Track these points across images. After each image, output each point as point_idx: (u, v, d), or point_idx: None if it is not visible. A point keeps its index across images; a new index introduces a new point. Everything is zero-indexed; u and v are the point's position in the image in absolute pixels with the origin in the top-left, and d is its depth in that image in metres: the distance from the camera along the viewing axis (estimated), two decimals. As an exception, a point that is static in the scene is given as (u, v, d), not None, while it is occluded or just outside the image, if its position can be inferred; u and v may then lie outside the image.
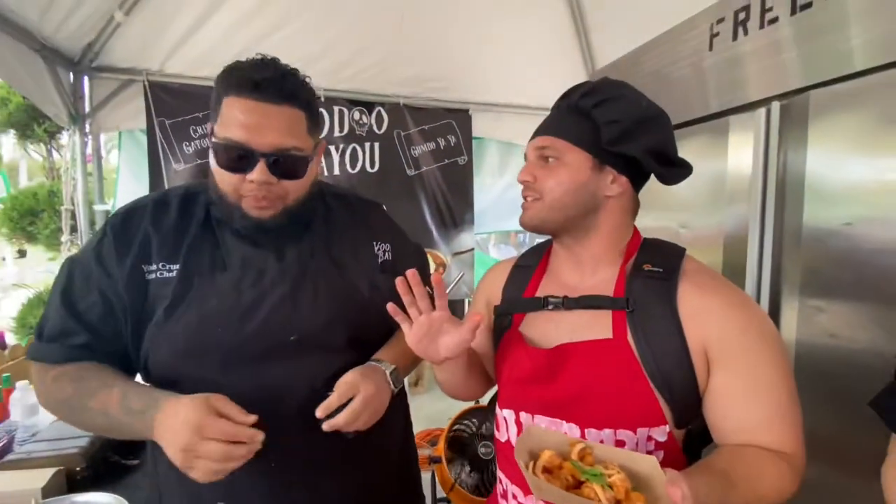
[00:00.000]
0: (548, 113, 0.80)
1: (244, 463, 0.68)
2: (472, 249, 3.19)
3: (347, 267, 0.89)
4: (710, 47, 1.28)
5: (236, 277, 0.81)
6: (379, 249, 0.94)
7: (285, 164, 0.77)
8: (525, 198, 0.77)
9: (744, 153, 1.17)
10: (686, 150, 1.33)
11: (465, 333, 0.71)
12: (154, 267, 0.79)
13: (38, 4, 1.85)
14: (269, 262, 0.83)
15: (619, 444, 0.67)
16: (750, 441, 0.64)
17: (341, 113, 2.80)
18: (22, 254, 10.17)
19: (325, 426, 0.76)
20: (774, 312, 1.11)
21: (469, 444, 2.01)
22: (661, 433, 0.67)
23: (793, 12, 1.10)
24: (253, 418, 0.69)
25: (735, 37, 1.21)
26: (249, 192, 0.77)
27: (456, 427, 2.06)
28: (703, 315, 0.66)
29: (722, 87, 1.26)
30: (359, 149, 2.87)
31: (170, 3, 2.17)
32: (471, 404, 1.99)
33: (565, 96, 0.78)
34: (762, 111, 1.13)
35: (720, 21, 1.26)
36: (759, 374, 0.65)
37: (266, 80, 0.75)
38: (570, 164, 0.72)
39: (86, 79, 2.38)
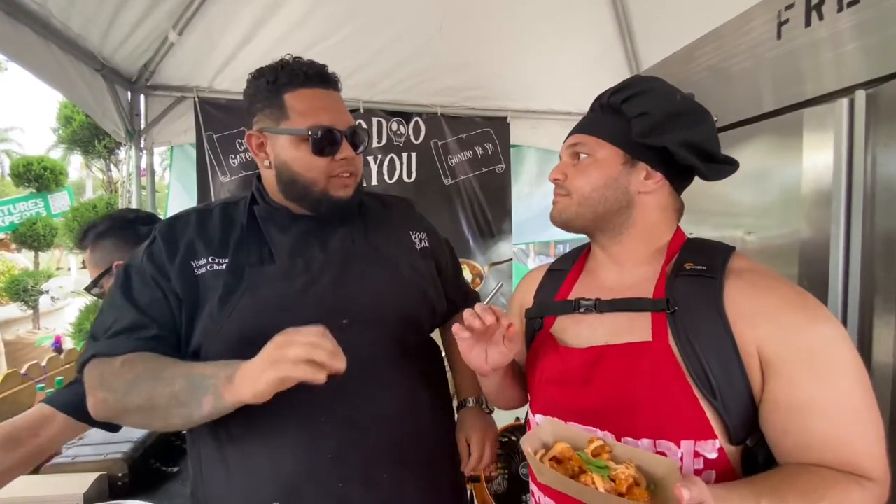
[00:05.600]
0: (589, 118, 0.81)
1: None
2: (510, 259, 3.10)
3: (389, 252, 0.93)
4: (779, 36, 1.17)
5: (285, 267, 0.84)
6: (415, 237, 0.99)
7: (359, 138, 0.87)
8: (555, 195, 0.78)
9: (822, 150, 1.05)
10: (753, 149, 1.23)
11: (506, 345, 0.70)
12: (203, 262, 0.82)
13: (100, 27, 1.97)
14: (314, 251, 0.86)
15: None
16: (816, 460, 0.57)
17: (379, 124, 2.82)
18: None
19: (468, 472, 0.93)
20: (866, 332, 0.97)
21: (509, 463, 1.92)
22: (709, 448, 0.60)
23: (877, -8, 0.98)
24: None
25: (808, 22, 1.10)
26: (339, 170, 0.85)
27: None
28: (754, 315, 0.60)
29: (794, 78, 1.15)
30: (396, 159, 2.88)
31: (218, 24, 2.26)
32: (511, 421, 1.90)
33: (598, 98, 0.78)
34: (843, 102, 1.01)
35: (789, 7, 1.15)
36: (826, 383, 0.57)
37: (324, 70, 0.87)
38: (600, 159, 0.72)
39: (142, 97, 2.52)
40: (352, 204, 0.89)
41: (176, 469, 1.26)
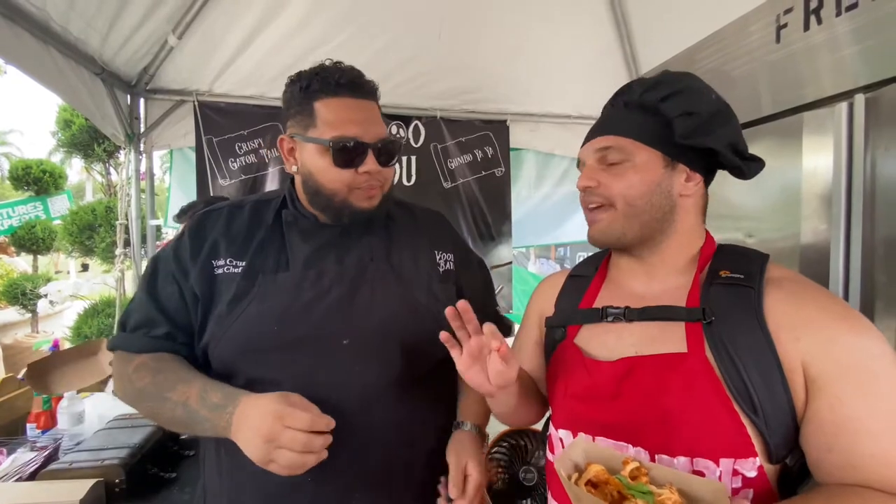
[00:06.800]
0: (589, 121, 0.76)
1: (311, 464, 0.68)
2: (510, 263, 3.10)
3: (406, 274, 0.89)
4: (778, 40, 1.17)
5: (298, 277, 0.82)
6: (440, 258, 0.94)
7: (388, 152, 0.83)
8: (588, 207, 0.70)
9: (822, 153, 1.05)
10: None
11: (504, 365, 0.64)
12: (222, 262, 0.82)
13: (99, 31, 1.97)
14: (329, 264, 0.84)
15: (698, 475, 0.58)
16: (861, 481, 0.54)
17: (379, 127, 2.82)
18: (85, 268, 10.95)
19: (453, 496, 0.79)
20: (867, 334, 0.97)
21: (509, 469, 1.90)
22: (749, 467, 0.57)
23: (875, -4, 0.98)
24: (328, 418, 0.70)
25: (807, 27, 1.10)
26: (363, 183, 0.82)
27: (495, 450, 1.96)
28: (798, 328, 0.57)
29: (793, 81, 1.15)
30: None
31: (218, 27, 2.26)
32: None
33: (622, 93, 0.71)
34: (843, 105, 1.00)
35: (788, 11, 1.15)
36: (875, 400, 0.54)
37: (358, 78, 0.83)
38: (639, 164, 0.66)
39: (141, 100, 2.52)
40: (377, 215, 0.85)
41: (174, 475, 1.25)
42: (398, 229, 0.93)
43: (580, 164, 0.73)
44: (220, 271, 0.82)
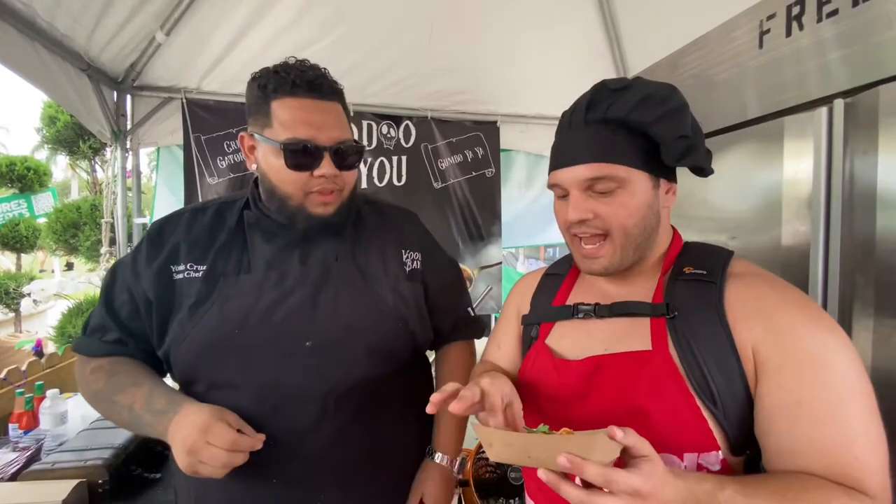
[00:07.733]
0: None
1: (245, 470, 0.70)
2: (500, 263, 3.11)
3: (372, 274, 0.88)
4: (760, 45, 1.19)
5: (259, 279, 0.81)
6: (407, 258, 0.93)
7: (346, 155, 0.80)
8: (580, 238, 0.68)
9: (802, 157, 1.07)
10: (736, 156, 1.25)
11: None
12: (182, 268, 0.81)
13: (86, 27, 1.95)
14: (292, 264, 0.83)
15: None
16: (803, 468, 0.54)
17: (369, 127, 2.82)
18: (69, 266, 10.76)
19: None
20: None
21: (498, 469, 1.91)
22: (713, 460, 0.59)
23: (854, 4, 1.01)
24: (261, 437, 0.71)
25: (789, 33, 1.12)
26: (317, 186, 0.79)
27: (484, 450, 1.97)
28: (754, 316, 0.59)
29: (775, 86, 1.17)
30: (386, 162, 2.87)
31: (206, 24, 2.24)
32: (499, 425, 1.91)
33: (592, 107, 0.65)
34: (822, 110, 1.03)
35: (770, 17, 1.17)
36: (818, 388, 0.54)
37: (318, 77, 0.79)
38: (634, 189, 0.64)
39: (128, 97, 2.49)
40: (333, 222, 0.83)
41: (158, 475, 1.24)
42: (366, 228, 0.91)
43: (555, 188, 0.69)
44: (179, 276, 0.81)
